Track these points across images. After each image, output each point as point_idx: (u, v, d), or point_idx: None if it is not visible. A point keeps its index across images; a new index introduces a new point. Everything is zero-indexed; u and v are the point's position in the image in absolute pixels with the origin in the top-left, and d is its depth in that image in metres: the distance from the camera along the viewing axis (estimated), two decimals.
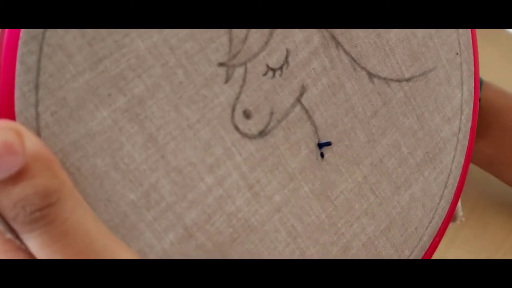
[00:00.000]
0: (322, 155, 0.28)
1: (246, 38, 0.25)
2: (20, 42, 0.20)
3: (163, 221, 0.23)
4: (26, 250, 0.20)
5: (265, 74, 0.26)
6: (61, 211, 0.19)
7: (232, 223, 0.25)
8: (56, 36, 0.21)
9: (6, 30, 0.20)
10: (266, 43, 0.26)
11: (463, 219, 0.39)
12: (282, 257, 0.27)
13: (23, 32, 0.20)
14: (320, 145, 0.28)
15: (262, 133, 0.26)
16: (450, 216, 0.34)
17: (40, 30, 0.20)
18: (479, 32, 0.34)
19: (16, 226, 0.19)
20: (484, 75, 0.42)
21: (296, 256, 0.27)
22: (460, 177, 0.34)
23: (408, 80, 0.31)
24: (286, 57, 0.26)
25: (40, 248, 0.19)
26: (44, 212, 0.19)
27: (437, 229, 0.33)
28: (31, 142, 0.19)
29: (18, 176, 0.19)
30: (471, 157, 0.35)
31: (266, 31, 0.26)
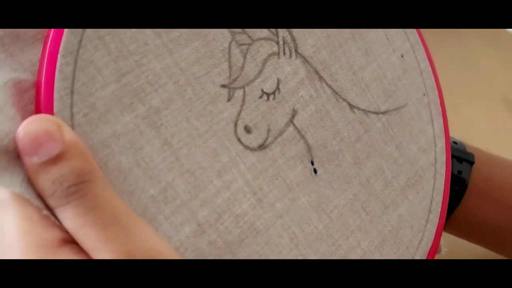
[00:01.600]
0: (315, 171, 0.31)
1: (243, 66, 0.30)
2: (59, 55, 0.24)
3: (179, 215, 0.26)
4: (60, 226, 0.22)
5: (260, 97, 0.30)
6: (93, 188, 0.22)
7: (240, 224, 0.28)
8: (88, 53, 0.25)
9: (48, 44, 0.24)
10: (260, 72, 0.30)
11: (446, 250, 0.41)
12: None
13: (62, 47, 0.24)
14: (313, 163, 0.31)
15: (261, 147, 0.29)
16: (438, 239, 0.37)
17: (75, 47, 0.25)
18: (480, 33, 0.36)
19: (52, 201, 0.22)
20: (485, 77, 0.43)
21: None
22: (442, 204, 0.37)
23: (384, 113, 0.35)
24: (278, 85, 0.31)
25: (73, 218, 0.22)
26: (79, 187, 0.22)
27: (428, 250, 0.36)
28: (68, 133, 0.23)
29: (57, 159, 0.22)
30: (449, 186, 0.38)
31: (259, 62, 0.30)
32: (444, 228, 0.38)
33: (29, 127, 0.22)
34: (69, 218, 0.22)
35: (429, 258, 0.36)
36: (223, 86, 0.29)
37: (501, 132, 0.37)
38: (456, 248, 0.45)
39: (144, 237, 0.22)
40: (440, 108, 0.39)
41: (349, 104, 0.34)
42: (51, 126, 0.22)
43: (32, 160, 0.22)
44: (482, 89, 0.63)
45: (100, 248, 0.21)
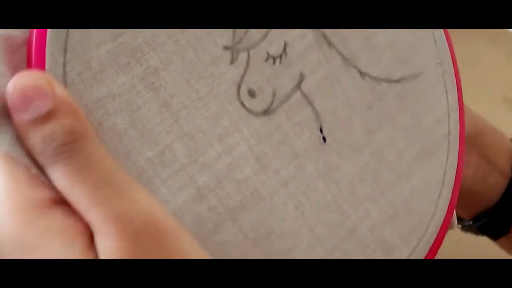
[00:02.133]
0: (324, 139, 0.30)
1: (247, 29, 0.28)
2: None
3: (177, 179, 0.25)
4: (50, 186, 0.21)
5: (266, 60, 0.29)
6: (84, 147, 0.21)
7: (242, 190, 0.27)
8: None
9: None
10: (266, 34, 0.29)
11: (460, 226, 0.40)
12: (290, 230, 0.28)
13: None
14: (322, 130, 0.30)
15: (266, 112, 0.28)
16: (451, 213, 0.35)
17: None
18: (482, 33, 0.36)
19: (42, 160, 0.21)
20: (486, 76, 0.43)
21: (305, 232, 0.28)
22: (455, 177, 0.36)
23: (396, 81, 0.34)
24: (285, 48, 0.29)
25: (63, 178, 0.21)
26: (69, 146, 0.21)
27: (440, 224, 0.34)
28: (60, 90, 0.22)
29: (47, 116, 0.21)
30: (463, 161, 0.37)
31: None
32: (503, 242, 0.36)
33: (19, 82, 0.21)
34: (59, 177, 0.21)
35: (441, 233, 0.34)
36: (226, 48, 0.27)
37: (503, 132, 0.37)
38: (456, 248, 0.45)
39: (138, 199, 0.21)
40: (454, 79, 0.37)
41: (359, 71, 0.32)
42: (42, 82, 0.21)
43: (22, 118, 0.21)
44: (483, 88, 0.62)
45: (89, 210, 0.20)
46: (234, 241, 0.26)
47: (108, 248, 0.20)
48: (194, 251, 0.22)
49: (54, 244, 0.20)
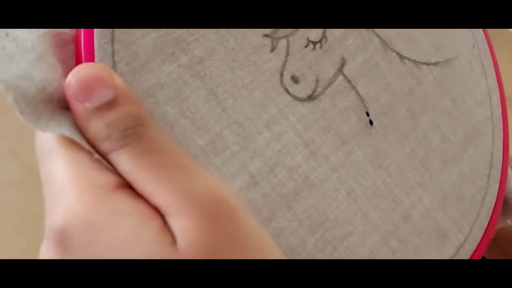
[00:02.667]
0: (371, 122, 0.29)
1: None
2: None
3: (230, 166, 0.25)
4: (113, 170, 0.21)
5: (306, 46, 0.28)
6: (150, 131, 0.21)
7: (294, 177, 0.26)
8: None
9: None
10: None
11: None
12: (344, 216, 0.27)
13: None
14: (368, 113, 0.29)
15: (310, 97, 0.28)
16: (501, 197, 0.34)
17: None
18: None
19: (108, 145, 0.21)
20: None
21: (359, 218, 0.28)
22: (503, 160, 0.35)
23: (435, 64, 0.33)
24: (324, 33, 0.29)
25: (131, 160, 0.20)
26: (136, 129, 0.21)
27: (492, 208, 0.33)
28: (119, 80, 0.22)
29: (111, 104, 0.21)
30: (508, 142, 0.36)
31: None
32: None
33: (80, 73, 0.21)
34: (126, 160, 0.21)
35: (494, 215, 0.33)
36: (266, 35, 0.27)
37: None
38: None
39: (206, 178, 0.21)
40: (491, 61, 0.37)
41: (398, 54, 0.32)
42: (103, 72, 0.21)
43: (84, 106, 0.21)
44: None
45: (160, 189, 0.20)
46: (290, 228, 0.26)
47: (183, 226, 0.19)
48: (259, 229, 0.21)
49: (128, 223, 0.19)
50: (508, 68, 0.63)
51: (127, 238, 0.19)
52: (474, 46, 0.36)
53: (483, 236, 0.32)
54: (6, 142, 0.86)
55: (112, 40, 0.23)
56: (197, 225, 0.19)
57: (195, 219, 0.19)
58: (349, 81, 0.29)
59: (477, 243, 0.32)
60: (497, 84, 0.36)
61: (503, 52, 0.68)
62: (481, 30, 0.37)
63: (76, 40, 0.23)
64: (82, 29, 0.23)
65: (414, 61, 0.32)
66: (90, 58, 0.23)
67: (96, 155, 0.21)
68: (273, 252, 0.22)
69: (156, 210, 0.20)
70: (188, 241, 0.19)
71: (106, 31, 0.23)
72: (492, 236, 0.33)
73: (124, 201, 0.20)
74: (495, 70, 0.37)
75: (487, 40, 0.37)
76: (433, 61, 0.33)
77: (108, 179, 0.20)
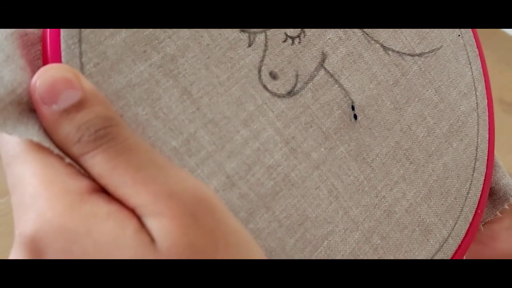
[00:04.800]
0: (355, 116, 0.29)
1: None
2: None
3: (205, 168, 0.24)
4: (85, 175, 0.20)
5: (284, 41, 0.28)
6: (122, 131, 0.21)
7: (273, 176, 0.25)
8: None
9: None
10: None
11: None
12: (325, 215, 0.27)
13: None
14: (354, 107, 0.29)
15: (290, 93, 0.27)
16: (487, 189, 0.34)
17: None
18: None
19: (79, 148, 0.20)
20: None
21: (340, 216, 0.27)
22: (488, 152, 0.34)
23: (419, 55, 0.33)
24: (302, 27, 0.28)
25: (104, 162, 0.20)
26: (108, 130, 0.20)
27: (477, 201, 0.33)
28: (86, 82, 0.21)
29: (79, 105, 0.20)
30: (494, 133, 0.35)
31: None
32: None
33: (46, 75, 0.20)
34: (99, 163, 0.20)
35: (479, 209, 0.33)
36: (243, 31, 0.27)
37: (496, 134, 0.36)
38: None
39: (184, 177, 0.20)
40: (477, 50, 0.36)
41: (382, 45, 0.31)
42: (68, 74, 0.20)
43: (51, 109, 0.20)
44: None
45: (137, 191, 0.19)
46: (269, 229, 0.25)
47: (163, 227, 0.19)
48: (240, 226, 0.21)
49: (104, 228, 0.19)
50: (502, 71, 0.62)
51: (105, 244, 0.19)
52: (459, 35, 0.35)
53: (467, 231, 0.32)
54: None
55: (80, 41, 0.22)
56: (178, 224, 0.19)
57: (176, 219, 0.19)
58: (332, 75, 0.28)
59: (462, 237, 0.32)
60: (482, 74, 0.36)
61: (498, 54, 0.67)
62: None
63: (43, 40, 0.22)
64: (48, 29, 0.22)
65: (398, 52, 0.32)
66: (57, 59, 0.22)
67: (68, 159, 0.20)
68: (255, 248, 0.21)
69: (132, 212, 0.19)
70: (170, 241, 0.19)
71: (74, 31, 0.22)
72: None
73: (99, 205, 0.19)
74: (481, 61, 0.36)
75: (473, 30, 0.36)
76: (417, 51, 0.33)
77: (81, 183, 0.20)
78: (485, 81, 0.36)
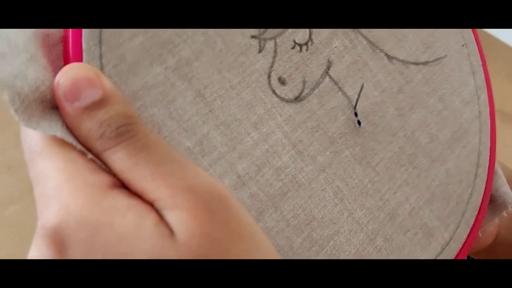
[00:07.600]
0: (359, 122, 0.30)
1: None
2: None
3: (218, 167, 0.25)
4: (107, 170, 0.21)
5: (293, 48, 0.29)
6: (142, 128, 0.22)
7: (281, 177, 0.26)
8: None
9: None
10: None
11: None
12: (331, 216, 0.28)
13: None
14: (357, 114, 0.30)
15: (298, 99, 0.28)
16: (488, 196, 0.35)
17: None
18: None
19: (101, 144, 0.21)
20: None
21: (345, 217, 0.28)
22: (489, 159, 0.35)
23: (424, 63, 0.34)
24: (310, 35, 0.29)
25: (125, 158, 0.21)
26: (129, 127, 0.21)
27: (478, 206, 0.34)
28: (107, 81, 0.22)
29: (101, 102, 0.21)
30: (495, 141, 0.36)
31: None
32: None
33: (68, 74, 0.21)
34: (120, 158, 0.21)
35: (480, 215, 0.34)
36: (254, 37, 0.28)
37: (496, 145, 0.37)
38: None
39: (200, 172, 0.21)
40: (480, 60, 0.37)
41: (386, 54, 0.32)
42: (90, 73, 0.21)
43: (74, 106, 0.21)
44: None
45: (156, 185, 0.20)
46: (277, 228, 0.26)
47: (181, 219, 0.20)
48: (251, 220, 0.22)
49: (125, 220, 0.19)
50: (502, 82, 0.62)
51: (126, 235, 0.19)
52: (463, 45, 0.36)
53: (468, 235, 0.33)
54: (3, 157, 0.86)
55: (100, 42, 0.23)
56: (196, 216, 0.20)
57: (194, 211, 0.20)
58: (336, 83, 0.29)
59: (463, 241, 0.32)
60: (485, 83, 0.37)
61: (498, 66, 0.67)
62: (470, 29, 0.37)
63: (64, 40, 0.23)
64: (70, 30, 0.23)
65: (402, 61, 0.33)
66: (79, 59, 0.23)
67: (90, 155, 0.21)
68: (265, 242, 0.22)
69: (151, 206, 0.20)
70: (188, 233, 0.20)
71: (94, 33, 0.23)
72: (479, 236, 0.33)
73: (120, 199, 0.20)
74: (484, 70, 0.37)
75: (476, 40, 0.37)
76: (422, 60, 0.34)
77: (102, 178, 0.20)
78: (487, 90, 0.37)
